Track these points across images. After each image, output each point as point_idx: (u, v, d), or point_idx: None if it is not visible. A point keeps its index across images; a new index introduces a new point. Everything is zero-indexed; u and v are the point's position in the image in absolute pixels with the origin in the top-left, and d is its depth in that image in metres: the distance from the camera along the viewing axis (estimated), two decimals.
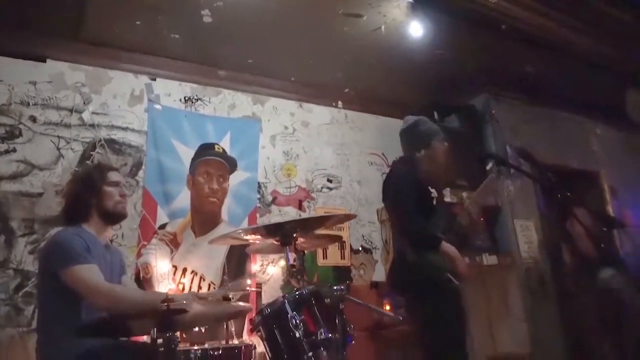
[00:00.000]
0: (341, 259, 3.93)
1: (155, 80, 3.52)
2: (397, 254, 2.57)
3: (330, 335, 1.74)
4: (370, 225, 4.20)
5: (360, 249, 4.07)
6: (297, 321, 1.76)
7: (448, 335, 2.33)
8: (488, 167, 2.77)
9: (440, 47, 3.61)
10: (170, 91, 3.57)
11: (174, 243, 3.28)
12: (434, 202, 2.53)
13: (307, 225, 1.82)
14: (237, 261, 3.43)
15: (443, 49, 3.63)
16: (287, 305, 1.78)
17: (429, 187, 2.52)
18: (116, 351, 1.98)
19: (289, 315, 1.77)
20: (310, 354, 1.72)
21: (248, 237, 1.76)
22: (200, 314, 1.69)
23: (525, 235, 3.86)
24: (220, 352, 1.97)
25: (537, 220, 3.99)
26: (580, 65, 4.00)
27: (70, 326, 1.81)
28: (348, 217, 1.79)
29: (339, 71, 3.95)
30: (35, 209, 2.92)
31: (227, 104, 3.78)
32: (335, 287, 1.51)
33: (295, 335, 1.74)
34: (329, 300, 1.53)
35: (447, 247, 2.35)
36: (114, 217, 2.15)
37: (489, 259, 3.58)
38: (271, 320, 1.81)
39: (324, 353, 1.74)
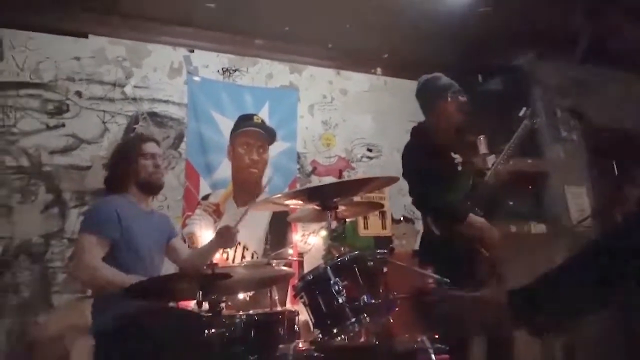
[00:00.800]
0: (382, 229, 3.90)
1: (193, 52, 3.54)
2: (424, 229, 2.48)
3: (373, 300, 1.73)
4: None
5: (401, 219, 4.03)
6: (340, 287, 1.75)
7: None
8: (521, 113, 2.52)
9: (482, 5, 3.42)
10: (208, 63, 3.58)
11: (217, 213, 3.33)
12: (459, 167, 2.39)
13: (347, 188, 1.79)
14: (279, 231, 3.45)
15: (486, 6, 3.44)
16: (329, 271, 1.78)
17: (451, 153, 2.38)
18: (163, 314, 2.06)
19: (331, 281, 1.77)
20: (353, 319, 1.72)
21: (289, 201, 1.75)
22: (244, 279, 1.71)
23: (577, 202, 3.69)
24: (264, 317, 2.00)
25: (589, 186, 3.80)
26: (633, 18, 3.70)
27: (118, 290, 1.88)
28: (390, 180, 1.74)
29: (376, 36, 3.83)
30: (84, 181, 3.04)
31: (264, 73, 3.76)
32: (378, 251, 1.49)
33: (338, 301, 1.74)
34: (371, 263, 1.50)
35: (473, 219, 2.24)
36: (149, 187, 2.21)
37: (537, 228, 3.45)
38: (313, 286, 1.81)
39: (367, 319, 1.74)
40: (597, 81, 4.19)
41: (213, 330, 1.85)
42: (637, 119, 4.33)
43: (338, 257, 1.83)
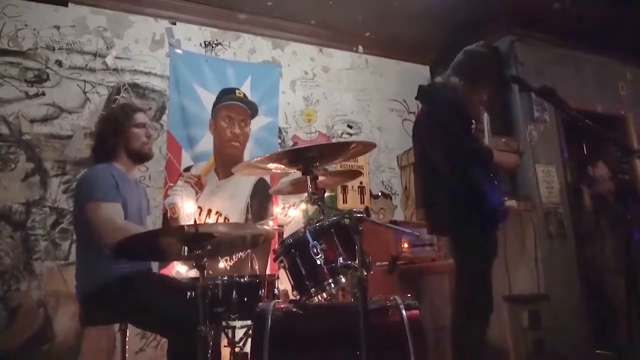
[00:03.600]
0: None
1: (175, 24, 3.52)
2: (439, 187, 2.35)
3: (349, 262, 1.82)
4: (390, 171, 4.24)
5: (379, 194, 4.13)
6: (318, 250, 1.84)
7: (480, 272, 2.30)
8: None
9: None
10: (191, 35, 3.57)
11: (198, 185, 3.39)
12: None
13: (328, 152, 1.86)
14: (259, 203, 3.53)
15: None
16: (308, 235, 1.86)
17: (473, 120, 2.41)
18: (148, 278, 2.13)
19: (310, 245, 1.86)
20: (330, 280, 1.81)
21: (271, 165, 1.81)
22: (226, 239, 1.78)
23: (547, 180, 3.84)
24: (245, 279, 2.08)
25: (560, 166, 3.96)
26: (609, 2, 3.83)
27: (103, 253, 1.94)
28: (368, 145, 1.82)
29: (359, 14, 3.87)
30: (65, 150, 3.04)
31: (247, 48, 3.78)
32: (354, 210, 1.57)
33: (316, 263, 1.83)
34: (348, 220, 1.59)
35: (497, 155, 2.33)
36: (141, 157, 2.25)
37: (508, 203, 3.59)
38: (293, 250, 1.90)
39: (343, 279, 1.83)
40: (572, 63, 4.33)
41: (194, 292, 1.94)
42: (608, 101, 4.50)
43: (317, 222, 1.92)
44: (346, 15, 3.84)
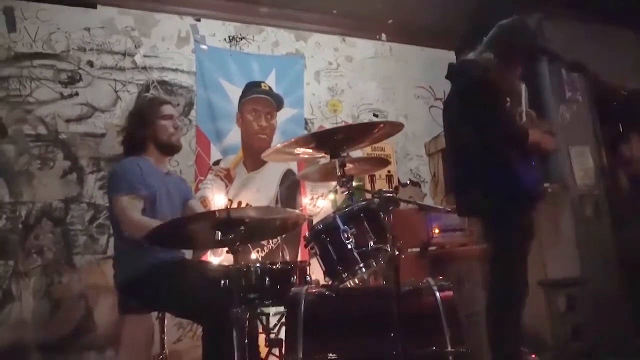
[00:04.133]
0: None
1: (199, 21, 3.58)
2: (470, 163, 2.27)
3: (380, 245, 1.82)
4: (418, 159, 4.20)
5: (408, 182, 4.10)
6: (348, 234, 1.85)
7: (515, 255, 2.24)
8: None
9: None
10: (215, 31, 3.62)
11: (228, 178, 3.44)
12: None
13: (355, 132, 1.86)
14: (288, 194, 3.56)
15: None
16: (338, 220, 1.87)
17: (506, 97, 2.28)
18: (183, 266, 2.18)
19: (340, 230, 1.87)
20: (362, 264, 1.82)
21: (299, 149, 1.83)
22: (258, 224, 1.80)
23: (580, 161, 3.73)
24: (277, 266, 2.11)
25: (594, 147, 3.84)
26: None
27: (137, 243, 2.00)
28: (396, 126, 1.82)
29: (380, 1, 3.84)
30: (99, 148, 3.14)
31: (270, 41, 3.80)
32: (384, 190, 1.58)
33: (347, 247, 1.84)
34: (378, 200, 1.59)
35: (532, 135, 2.21)
36: (169, 148, 2.30)
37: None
38: (324, 235, 1.91)
39: (374, 263, 1.84)
40: (603, 40, 4.18)
41: (229, 280, 1.98)
42: None
43: (346, 207, 1.92)
44: (367, 3, 3.82)
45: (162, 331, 2.22)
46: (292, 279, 2.11)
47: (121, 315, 2.49)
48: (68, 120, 3.09)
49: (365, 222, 1.89)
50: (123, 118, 3.15)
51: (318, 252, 1.99)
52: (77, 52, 3.18)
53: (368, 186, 3.92)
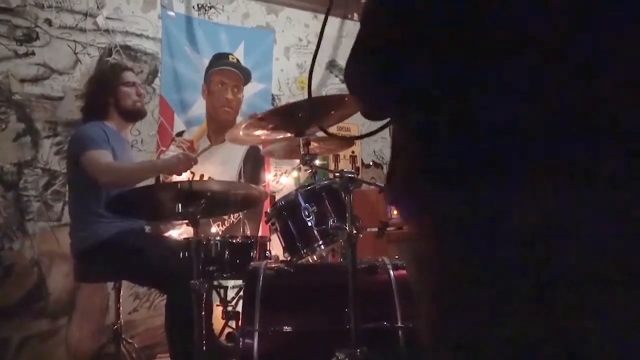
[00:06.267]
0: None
1: None
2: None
3: (340, 224, 1.87)
4: (382, 140, 4.26)
5: (371, 163, 4.17)
6: (309, 212, 1.89)
7: None
8: None
9: None
10: None
11: (191, 150, 3.36)
12: None
13: (321, 107, 1.88)
14: (252, 169, 3.54)
15: None
16: (299, 197, 1.91)
17: None
18: (143, 235, 2.17)
19: (301, 207, 1.90)
20: (321, 242, 1.87)
21: (261, 131, 1.84)
22: (219, 194, 1.81)
23: None
24: (237, 240, 2.13)
25: None
26: None
27: (97, 210, 1.98)
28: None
29: None
30: (57, 112, 3.02)
31: (240, 12, 3.72)
32: (345, 170, 1.61)
33: (308, 225, 1.88)
34: (339, 180, 1.63)
35: None
36: (133, 115, 2.27)
37: None
38: (285, 212, 1.94)
39: (333, 241, 1.89)
40: None
41: (189, 251, 1.99)
42: None
43: (309, 185, 1.96)
44: None
45: (118, 301, 2.21)
46: (252, 253, 2.14)
47: (78, 283, 2.46)
48: (23, 80, 2.94)
49: (326, 201, 1.94)
50: (82, 82, 3.05)
51: (279, 229, 2.03)
52: (34, 8, 3.01)
53: (332, 166, 3.97)
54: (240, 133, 1.91)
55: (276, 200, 2.01)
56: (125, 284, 2.48)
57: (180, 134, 3.38)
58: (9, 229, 2.82)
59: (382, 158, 4.24)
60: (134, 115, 2.26)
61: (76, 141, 2.10)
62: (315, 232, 1.87)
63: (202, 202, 1.61)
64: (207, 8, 3.59)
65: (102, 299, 2.93)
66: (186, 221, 1.92)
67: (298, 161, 3.52)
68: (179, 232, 3.22)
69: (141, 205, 1.75)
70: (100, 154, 2.00)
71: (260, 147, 3.64)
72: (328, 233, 1.86)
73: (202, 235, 2.65)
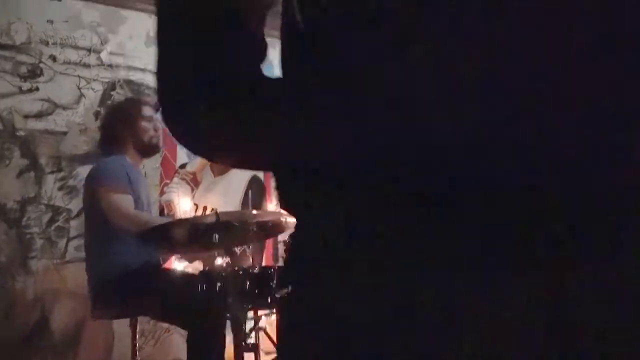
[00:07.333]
0: None
1: None
2: None
3: None
4: None
5: None
6: None
7: None
8: None
9: None
10: None
11: (194, 182, 3.40)
12: None
13: None
14: (254, 199, 3.57)
15: None
16: None
17: None
18: (163, 270, 2.16)
19: None
20: None
21: None
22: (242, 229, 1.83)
23: None
24: (256, 270, 2.14)
25: None
26: None
27: (117, 245, 1.97)
28: None
29: None
30: (60, 147, 3.00)
31: None
32: None
33: None
34: None
35: None
36: (149, 150, 2.28)
37: None
38: None
39: None
40: None
41: (206, 284, 1.99)
42: None
43: None
44: None
45: (135, 337, 2.17)
46: (272, 283, 2.15)
47: (81, 320, 2.41)
48: (27, 116, 2.93)
49: None
50: (86, 116, 3.07)
51: None
52: (39, 44, 3.03)
53: None
54: None
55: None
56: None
57: (183, 166, 3.39)
58: (11, 267, 2.76)
59: None
60: (151, 149, 2.27)
61: (98, 173, 2.09)
62: None
63: (237, 233, 1.63)
64: None
65: (108, 335, 2.86)
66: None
67: None
68: (184, 265, 3.21)
69: (180, 237, 1.76)
70: (123, 199, 1.99)
71: (262, 178, 3.69)
72: None
73: (207, 269, 2.66)
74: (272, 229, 2.08)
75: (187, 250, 2.48)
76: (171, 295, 1.91)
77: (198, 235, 1.72)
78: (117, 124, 2.19)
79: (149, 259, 2.04)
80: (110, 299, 1.98)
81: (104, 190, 1.98)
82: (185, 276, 2.18)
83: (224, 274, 2.06)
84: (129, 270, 1.95)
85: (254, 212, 2.10)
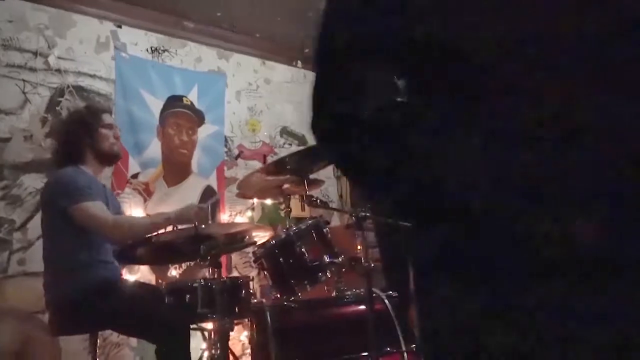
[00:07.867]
0: (302, 210, 4.17)
1: (120, 27, 3.44)
2: None
3: (334, 260, 2.00)
4: (327, 180, 4.47)
5: (318, 201, 4.34)
6: (302, 249, 2.01)
7: None
8: None
9: None
10: (137, 40, 3.51)
11: (146, 192, 3.33)
12: None
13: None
14: (210, 210, 3.54)
15: None
16: (293, 237, 2.02)
17: None
18: (126, 283, 2.11)
19: (295, 245, 2.01)
20: (318, 275, 1.98)
21: (270, 176, 1.95)
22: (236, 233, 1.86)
23: None
24: (226, 280, 2.15)
25: None
26: None
27: (82, 259, 1.91)
28: None
29: (301, 31, 4.08)
30: (3, 154, 2.82)
31: (193, 57, 3.79)
32: (324, 219, 1.80)
33: (302, 261, 1.99)
34: (326, 229, 1.80)
35: None
36: (110, 158, 2.23)
37: None
38: (277, 251, 2.03)
39: (327, 276, 2.02)
40: None
41: (172, 296, 1.99)
42: None
43: (300, 224, 2.09)
44: (288, 30, 4.03)
45: (95, 351, 2.09)
46: (242, 293, 2.17)
47: (54, 336, 2.28)
48: None
49: (315, 238, 2.08)
50: (32, 123, 2.92)
51: (268, 267, 2.11)
52: None
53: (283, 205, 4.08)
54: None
55: (266, 241, 2.10)
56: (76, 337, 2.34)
57: (135, 176, 3.30)
58: None
59: (327, 196, 4.43)
60: (111, 157, 2.21)
61: (60, 189, 1.99)
62: (311, 267, 1.98)
63: (220, 244, 1.65)
64: (160, 51, 3.62)
65: (54, 354, 2.71)
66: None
67: (251, 201, 3.64)
68: (136, 276, 3.13)
69: (160, 251, 1.74)
70: (96, 207, 1.93)
71: (215, 188, 3.68)
72: (322, 268, 1.99)
73: (160, 282, 2.62)
74: (242, 240, 2.11)
75: (167, 262, 2.44)
76: (138, 308, 1.88)
77: (183, 245, 1.72)
78: (77, 133, 2.11)
79: (113, 272, 1.99)
80: (73, 314, 1.90)
81: (79, 208, 1.91)
82: (151, 288, 2.15)
83: (193, 284, 2.06)
84: (94, 284, 1.89)
85: (228, 222, 2.11)
